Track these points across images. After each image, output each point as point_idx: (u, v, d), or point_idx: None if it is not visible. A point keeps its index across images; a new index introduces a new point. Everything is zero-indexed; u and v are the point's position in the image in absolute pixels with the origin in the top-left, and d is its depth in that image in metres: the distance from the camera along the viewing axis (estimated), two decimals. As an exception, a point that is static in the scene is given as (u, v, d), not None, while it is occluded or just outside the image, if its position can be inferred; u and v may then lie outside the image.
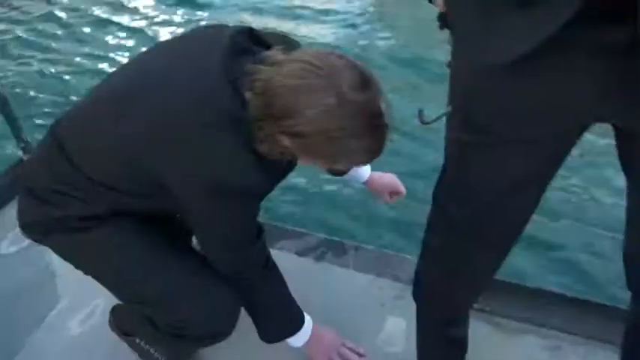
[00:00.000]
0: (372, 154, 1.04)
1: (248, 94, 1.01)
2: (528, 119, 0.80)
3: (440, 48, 1.12)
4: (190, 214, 1.15)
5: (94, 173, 1.16)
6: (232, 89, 1.02)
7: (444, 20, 0.86)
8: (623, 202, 0.94)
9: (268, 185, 1.18)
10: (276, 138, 1.02)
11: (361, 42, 4.68)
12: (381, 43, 4.66)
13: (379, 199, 1.74)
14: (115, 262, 1.26)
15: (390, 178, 1.70)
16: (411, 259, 1.83)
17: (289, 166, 1.24)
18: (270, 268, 1.33)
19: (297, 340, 1.42)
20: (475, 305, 1.48)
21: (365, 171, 1.69)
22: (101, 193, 1.18)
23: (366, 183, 1.71)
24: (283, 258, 1.61)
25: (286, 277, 1.37)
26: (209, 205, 1.10)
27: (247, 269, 1.27)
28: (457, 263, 1.04)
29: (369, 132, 0.99)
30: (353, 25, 5.01)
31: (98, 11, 5.57)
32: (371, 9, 5.40)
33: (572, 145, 0.87)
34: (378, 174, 1.70)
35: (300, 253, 1.90)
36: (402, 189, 1.70)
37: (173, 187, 1.08)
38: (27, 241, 1.73)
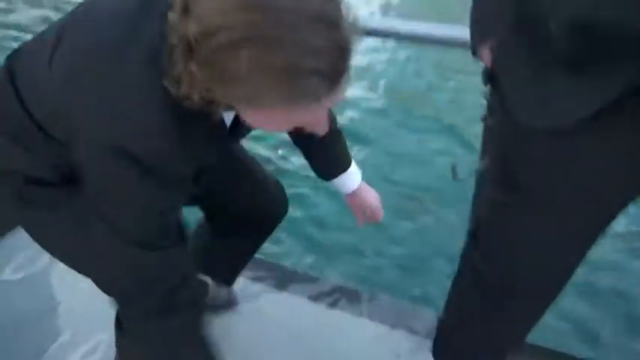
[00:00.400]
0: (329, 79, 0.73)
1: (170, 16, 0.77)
2: (575, 183, 0.77)
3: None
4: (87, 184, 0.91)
5: (37, 112, 0.96)
6: (154, 17, 0.81)
7: (489, 76, 0.84)
8: None
9: (187, 162, 0.89)
10: (191, 70, 0.75)
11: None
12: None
13: (353, 215, 1.58)
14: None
15: (373, 198, 1.56)
16: (426, 312, 1.77)
17: (222, 139, 1.00)
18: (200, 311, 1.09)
19: None
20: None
21: (356, 179, 1.53)
22: (44, 144, 0.98)
23: (349, 195, 1.55)
24: (295, 302, 1.56)
25: (297, 323, 1.31)
26: (105, 171, 0.86)
27: (172, 288, 0.98)
28: (487, 325, 1.02)
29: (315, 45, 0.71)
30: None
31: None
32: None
33: (623, 207, 0.83)
34: (366, 188, 1.55)
35: (313, 298, 1.84)
36: (380, 213, 1.56)
37: (78, 142, 0.88)
38: (32, 268, 1.69)
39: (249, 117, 0.81)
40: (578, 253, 0.89)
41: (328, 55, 0.71)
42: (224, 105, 0.81)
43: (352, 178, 1.54)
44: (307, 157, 1.53)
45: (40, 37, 1.00)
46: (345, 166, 1.52)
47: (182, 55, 0.74)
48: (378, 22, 2.15)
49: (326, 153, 1.50)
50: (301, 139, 1.44)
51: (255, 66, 0.70)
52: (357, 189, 1.54)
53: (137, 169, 0.81)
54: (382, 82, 4.78)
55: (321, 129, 0.92)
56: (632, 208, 0.84)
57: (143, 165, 0.81)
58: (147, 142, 0.80)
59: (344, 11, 0.73)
